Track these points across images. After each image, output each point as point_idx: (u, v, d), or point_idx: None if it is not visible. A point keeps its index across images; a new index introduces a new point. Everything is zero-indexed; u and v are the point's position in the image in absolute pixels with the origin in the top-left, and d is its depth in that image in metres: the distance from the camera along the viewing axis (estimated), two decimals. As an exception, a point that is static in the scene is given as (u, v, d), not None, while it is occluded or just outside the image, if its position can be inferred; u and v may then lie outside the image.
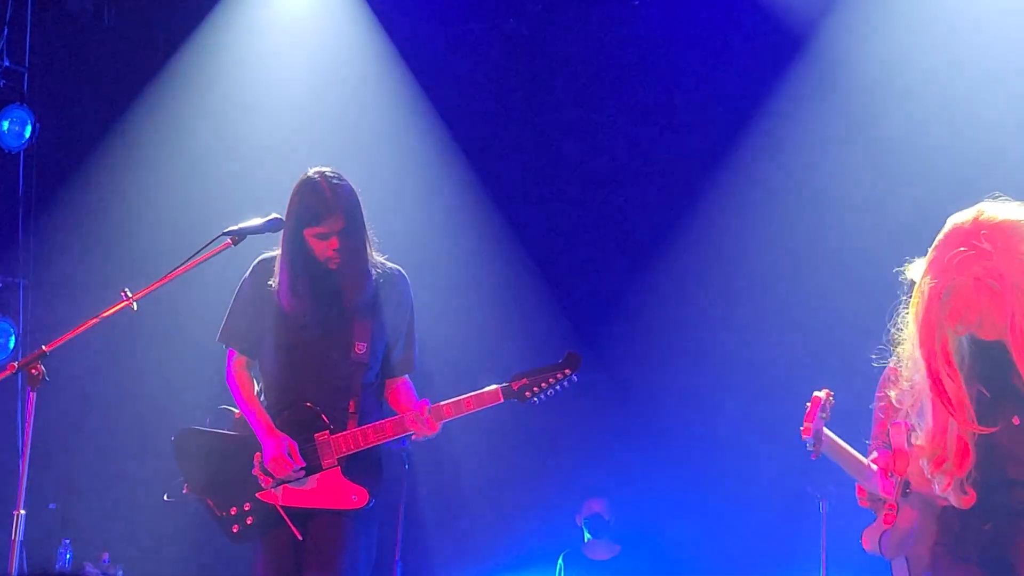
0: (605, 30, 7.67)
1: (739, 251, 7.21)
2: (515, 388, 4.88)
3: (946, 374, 3.38)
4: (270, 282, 4.97)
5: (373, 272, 4.96)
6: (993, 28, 6.57)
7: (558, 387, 4.92)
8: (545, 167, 7.79)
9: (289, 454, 4.82)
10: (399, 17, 7.79)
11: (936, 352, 3.37)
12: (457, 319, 7.51)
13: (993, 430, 3.46)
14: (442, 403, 4.86)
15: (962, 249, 3.33)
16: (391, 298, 5.03)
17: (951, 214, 3.49)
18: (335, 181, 4.88)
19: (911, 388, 3.54)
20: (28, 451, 4.44)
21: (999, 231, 3.34)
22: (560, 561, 7.45)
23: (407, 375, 5.14)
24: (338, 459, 4.88)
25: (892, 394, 3.69)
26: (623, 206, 7.65)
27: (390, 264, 5.07)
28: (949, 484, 3.48)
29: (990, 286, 3.28)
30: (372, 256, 4.97)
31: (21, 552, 4.41)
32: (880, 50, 6.83)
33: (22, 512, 4.37)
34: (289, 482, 4.88)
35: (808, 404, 3.95)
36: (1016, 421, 3.54)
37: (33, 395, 4.43)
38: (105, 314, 4.60)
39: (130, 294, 4.60)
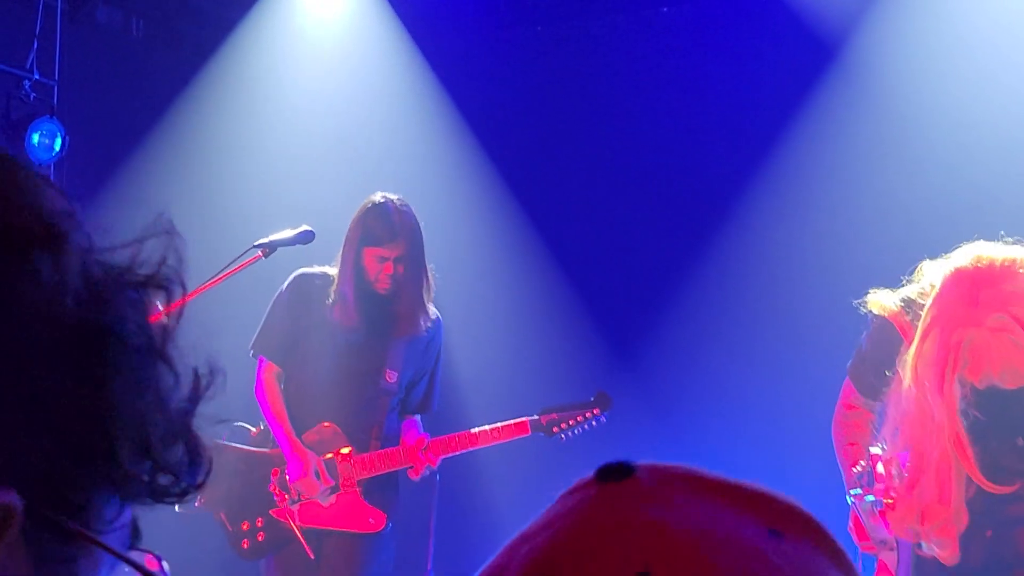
0: (633, 37, 7.64)
1: (776, 256, 7.16)
2: (543, 422, 5.00)
3: (963, 432, 3.30)
4: (314, 297, 4.99)
5: (430, 310, 5.00)
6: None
7: (586, 425, 5.06)
8: (574, 175, 7.77)
9: (317, 474, 4.83)
10: (427, 25, 7.79)
11: (957, 408, 3.28)
12: (486, 323, 7.52)
13: (1012, 489, 3.40)
14: (457, 435, 4.91)
15: (970, 298, 3.25)
16: (424, 338, 5.06)
17: (993, 220, 3.43)
18: (403, 208, 4.93)
19: (906, 434, 3.45)
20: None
21: (1005, 276, 3.26)
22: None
23: (420, 415, 5.19)
24: (358, 481, 4.89)
25: (875, 449, 3.64)
26: (653, 215, 7.62)
27: (432, 308, 5.10)
28: (954, 550, 3.43)
29: (1009, 335, 3.19)
30: (428, 296, 5.00)
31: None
32: (915, 57, 6.78)
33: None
34: (307, 497, 4.89)
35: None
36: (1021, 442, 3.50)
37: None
38: (137, 327, 4.62)
39: (161, 307, 4.62)
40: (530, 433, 4.96)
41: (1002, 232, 3.42)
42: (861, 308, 3.77)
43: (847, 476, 3.90)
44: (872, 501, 3.67)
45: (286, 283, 5.10)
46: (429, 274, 5.03)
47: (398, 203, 4.97)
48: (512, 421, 4.96)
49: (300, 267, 5.14)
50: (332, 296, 4.97)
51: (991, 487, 3.32)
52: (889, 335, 3.64)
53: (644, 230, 7.62)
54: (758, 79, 7.29)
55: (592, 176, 7.74)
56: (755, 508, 0.89)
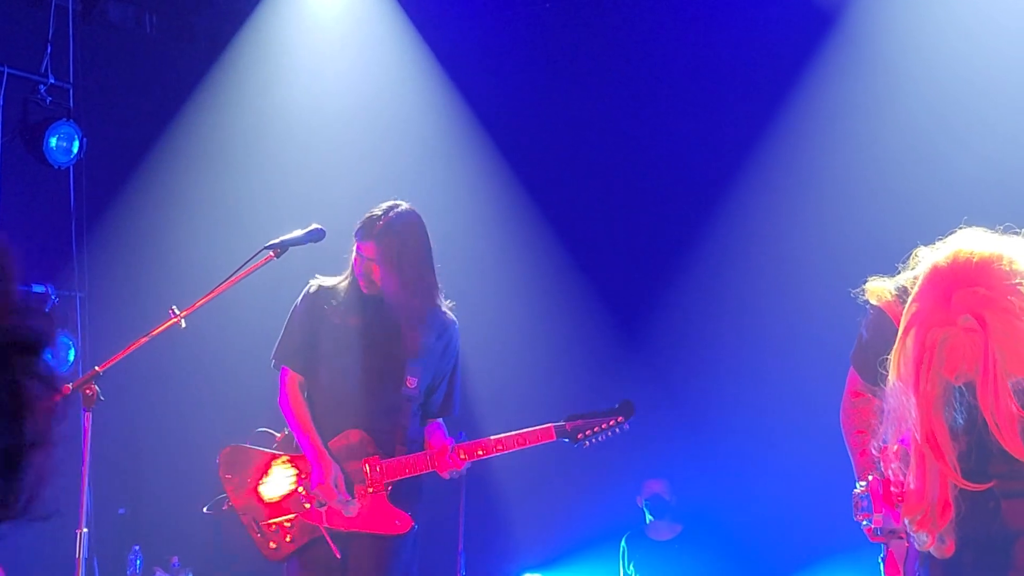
0: (635, 14, 7.62)
1: (795, 238, 7.15)
2: (568, 428, 5.06)
3: (939, 428, 3.33)
4: (329, 306, 5.06)
5: (432, 317, 5.05)
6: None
7: (609, 433, 5.12)
8: (585, 168, 7.77)
9: (336, 483, 4.91)
10: (433, 13, 7.79)
11: (932, 405, 3.31)
12: (498, 322, 7.54)
13: (987, 486, 3.42)
14: (484, 440, 4.98)
15: (945, 298, 3.26)
16: (441, 343, 5.12)
17: (991, 204, 3.43)
18: (394, 213, 4.97)
19: (895, 429, 3.48)
20: (87, 470, 4.54)
21: (979, 275, 3.27)
22: (623, 543, 7.49)
23: (442, 419, 5.25)
24: (385, 484, 4.97)
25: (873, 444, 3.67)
26: (661, 201, 7.62)
27: (448, 313, 5.14)
28: (932, 542, 3.46)
29: (978, 333, 3.20)
30: (425, 300, 5.03)
31: (87, 568, 4.51)
32: (915, 36, 6.74)
33: (85, 530, 4.47)
34: (334, 505, 4.97)
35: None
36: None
37: (89, 415, 4.53)
38: (154, 332, 4.71)
39: (178, 311, 4.70)
40: (555, 439, 5.03)
41: (998, 224, 3.43)
42: (859, 297, 3.80)
43: (857, 464, 3.91)
44: (869, 526, 3.74)
45: (300, 295, 5.18)
46: (423, 280, 5.06)
47: (399, 209, 5.03)
48: (538, 427, 5.02)
49: (314, 270, 5.23)
50: (340, 299, 5.06)
51: (965, 484, 3.36)
52: (885, 325, 3.65)
53: (655, 225, 7.63)
54: (763, 57, 7.26)
55: (604, 169, 7.76)
56: None
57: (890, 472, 3.59)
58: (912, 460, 3.41)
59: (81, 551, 4.44)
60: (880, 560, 4.23)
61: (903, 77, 6.76)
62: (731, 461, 7.27)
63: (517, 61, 7.84)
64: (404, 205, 5.05)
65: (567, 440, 5.04)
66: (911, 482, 3.42)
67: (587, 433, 5.05)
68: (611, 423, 5.08)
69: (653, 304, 7.59)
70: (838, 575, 6.63)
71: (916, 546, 3.55)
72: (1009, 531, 3.56)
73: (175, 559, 7.42)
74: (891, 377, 3.40)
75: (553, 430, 5.01)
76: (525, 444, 4.98)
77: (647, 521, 7.51)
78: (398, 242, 4.96)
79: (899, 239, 4.01)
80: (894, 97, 6.77)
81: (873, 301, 3.75)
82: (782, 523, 7.10)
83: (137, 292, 7.57)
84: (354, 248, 5.02)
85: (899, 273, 3.70)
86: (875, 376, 3.66)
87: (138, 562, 7.21)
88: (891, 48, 6.81)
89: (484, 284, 7.47)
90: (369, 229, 4.95)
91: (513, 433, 4.99)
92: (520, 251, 7.74)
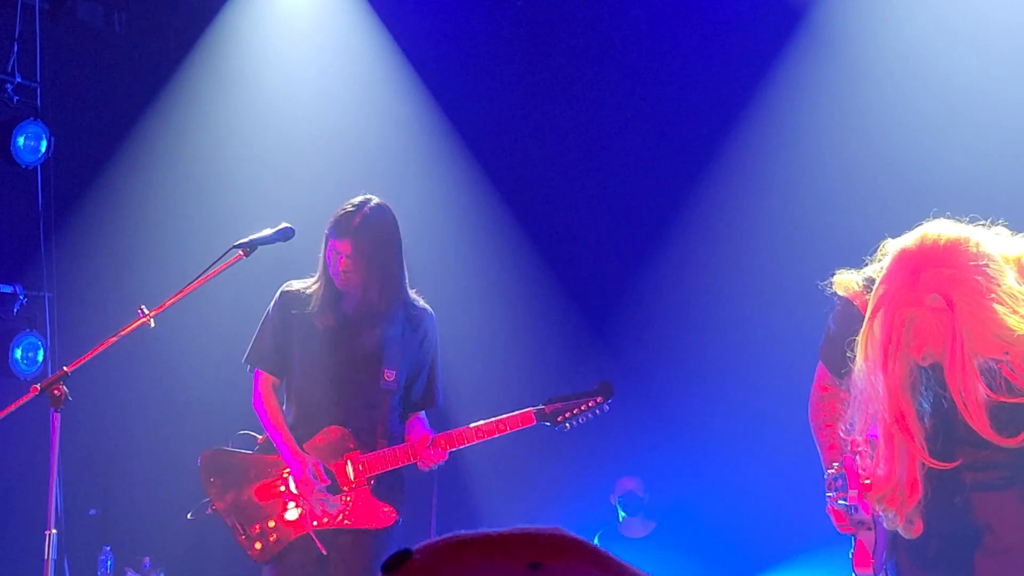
0: (604, 10, 7.62)
1: (766, 231, 7.17)
2: (548, 412, 5.06)
3: (907, 409, 3.35)
4: (302, 309, 5.06)
5: (407, 309, 5.05)
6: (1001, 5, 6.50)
7: (589, 414, 5.11)
8: (556, 160, 7.76)
9: (314, 474, 4.90)
10: (401, 8, 7.77)
11: (900, 386, 3.33)
12: (470, 318, 7.53)
13: (954, 464, 3.44)
14: (463, 428, 4.98)
15: (912, 278, 3.28)
16: (418, 334, 5.12)
17: (960, 196, 3.45)
18: (369, 209, 4.96)
19: (863, 411, 3.50)
20: (56, 471, 4.51)
21: (946, 256, 3.29)
22: (596, 541, 7.49)
23: (424, 411, 5.24)
24: (368, 478, 4.97)
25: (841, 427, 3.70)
26: (630, 195, 7.62)
27: (421, 303, 5.15)
28: (900, 521, 3.48)
29: (946, 316, 3.22)
30: (396, 293, 5.04)
31: (56, 569, 4.48)
32: (885, 27, 6.76)
33: (54, 531, 4.44)
34: (316, 502, 4.96)
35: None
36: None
37: (58, 416, 4.50)
38: (123, 332, 4.67)
39: (147, 311, 4.67)
40: (535, 423, 5.02)
41: (969, 214, 3.47)
42: (827, 289, 3.83)
43: (826, 457, 3.93)
44: (844, 505, 3.75)
45: (273, 300, 5.19)
46: (395, 274, 5.06)
47: (372, 204, 5.02)
48: (517, 412, 5.01)
49: (284, 269, 5.24)
50: (315, 302, 5.05)
51: (933, 463, 3.38)
52: (852, 316, 3.67)
53: (628, 220, 7.63)
54: (734, 50, 7.27)
55: (576, 163, 7.74)
56: (518, 550, 1.05)
57: (857, 458, 3.61)
58: (880, 441, 3.44)
59: (50, 552, 4.40)
60: (850, 556, 4.26)
61: (873, 74, 6.78)
62: (704, 458, 7.28)
63: (485, 54, 7.83)
64: (375, 199, 5.04)
65: (547, 423, 5.02)
66: (880, 464, 3.44)
67: (567, 416, 5.04)
68: (591, 404, 5.08)
69: (627, 300, 7.59)
70: (810, 571, 6.65)
71: (885, 525, 3.57)
72: (977, 524, 3.59)
73: (147, 559, 7.39)
74: (858, 359, 3.42)
75: (533, 414, 5.00)
76: (505, 430, 4.97)
77: (620, 519, 7.51)
78: (374, 237, 4.97)
79: (869, 235, 4.03)
80: (865, 94, 6.80)
81: (840, 292, 3.78)
82: (755, 520, 7.12)
83: (106, 292, 7.53)
84: (326, 245, 5.00)
85: (867, 266, 3.73)
86: (842, 368, 3.70)
87: (109, 563, 7.18)
88: (861, 45, 6.83)
89: (457, 280, 7.45)
90: (344, 226, 4.94)
91: (493, 420, 4.98)
92: (493, 247, 7.72)
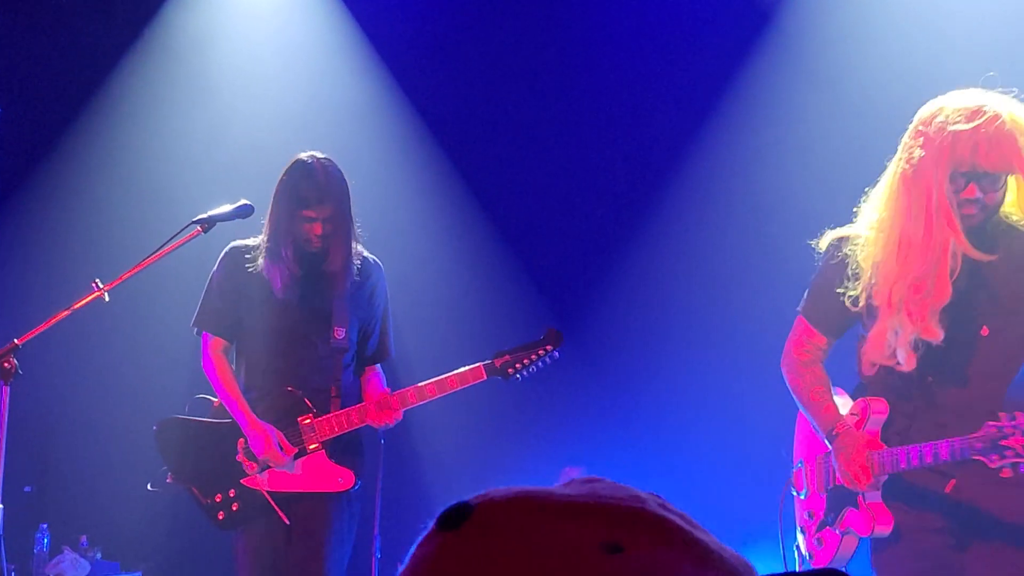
0: (573, 7, 7.61)
1: (714, 229, 7.18)
2: (497, 365, 4.97)
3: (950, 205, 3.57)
4: (248, 267, 4.98)
5: (355, 263, 5.00)
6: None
7: (540, 363, 5.02)
8: (519, 147, 7.73)
9: (279, 445, 4.85)
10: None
11: (946, 190, 3.57)
12: (435, 301, 7.50)
13: (988, 258, 3.65)
14: (414, 387, 4.91)
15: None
16: (366, 287, 5.07)
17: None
18: (329, 167, 4.92)
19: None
20: (3, 446, 4.43)
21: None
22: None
23: (380, 364, 5.19)
24: (322, 442, 4.91)
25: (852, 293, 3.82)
26: (597, 185, 7.62)
27: (367, 254, 5.11)
28: (924, 318, 3.62)
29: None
30: (356, 247, 5.00)
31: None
32: (851, 26, 6.81)
33: (0, 506, 4.37)
34: (275, 467, 4.91)
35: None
36: (985, 331, 3.66)
37: (7, 389, 4.42)
38: (76, 305, 4.60)
39: (101, 284, 4.60)
40: (486, 377, 4.93)
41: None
42: (815, 245, 3.97)
43: (823, 419, 3.93)
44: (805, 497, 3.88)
45: (218, 260, 5.10)
46: (356, 229, 5.04)
47: (323, 161, 4.96)
48: (467, 368, 4.93)
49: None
50: (263, 261, 4.96)
51: (971, 251, 3.60)
52: (842, 251, 3.85)
53: (589, 195, 7.61)
54: (703, 49, 7.28)
55: (530, 137, 7.70)
56: (592, 522, 0.92)
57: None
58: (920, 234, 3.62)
59: (-3, 527, 4.33)
60: (796, 547, 4.28)
61: (840, 76, 6.81)
62: (650, 449, 7.29)
63: (448, 37, 7.79)
64: (321, 155, 4.99)
65: (499, 377, 4.96)
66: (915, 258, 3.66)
67: (517, 367, 4.97)
68: (540, 352, 5.01)
69: (584, 294, 7.58)
70: (759, 564, 6.67)
71: (898, 331, 3.70)
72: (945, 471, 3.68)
73: (84, 538, 7.30)
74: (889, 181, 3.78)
75: (483, 369, 4.92)
76: (457, 386, 4.90)
77: (563, 508, 7.50)
78: (343, 198, 4.95)
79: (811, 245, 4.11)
80: (833, 95, 6.82)
81: (831, 237, 3.97)
82: (702, 510, 7.13)
83: (56, 270, 7.43)
84: (293, 214, 4.89)
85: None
86: (826, 317, 3.84)
87: (45, 540, 7.07)
88: (829, 47, 6.86)
89: (422, 279, 7.42)
90: (320, 190, 4.87)
91: (443, 376, 4.92)
92: (457, 241, 7.68)
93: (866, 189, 4.02)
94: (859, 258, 3.79)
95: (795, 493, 4.33)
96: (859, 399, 3.90)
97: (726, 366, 7.01)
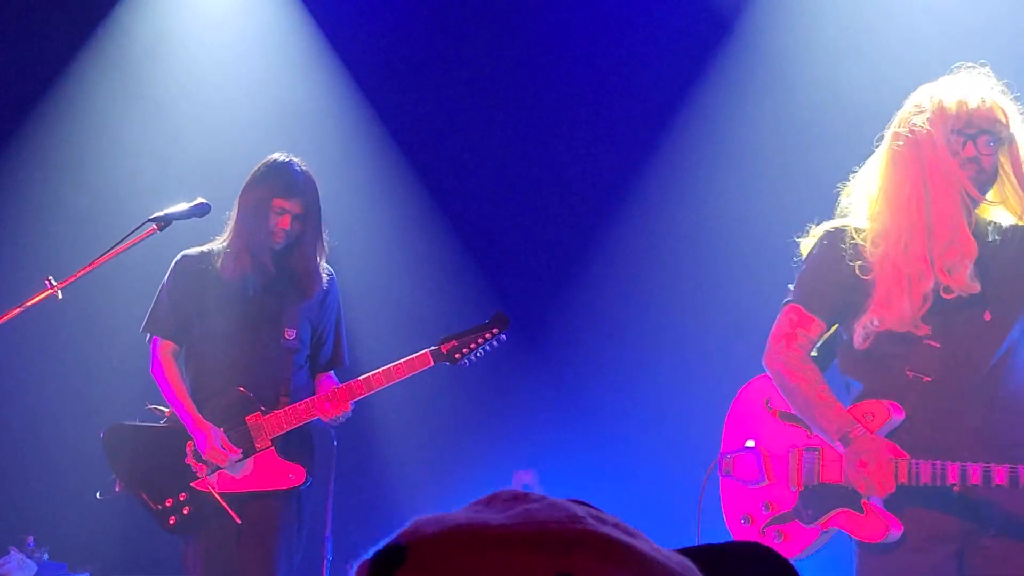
0: (535, 11, 7.61)
1: (670, 231, 7.21)
2: (444, 351, 4.95)
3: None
4: (200, 274, 4.99)
5: (324, 269, 5.03)
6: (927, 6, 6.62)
7: (487, 347, 5.00)
8: (477, 148, 7.72)
9: (222, 444, 4.83)
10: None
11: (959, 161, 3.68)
12: (391, 301, 7.49)
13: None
14: (362, 377, 4.90)
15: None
16: (317, 295, 5.07)
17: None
18: (307, 170, 5.01)
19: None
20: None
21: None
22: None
23: (334, 371, 5.20)
24: (272, 439, 4.89)
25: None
26: (554, 187, 7.62)
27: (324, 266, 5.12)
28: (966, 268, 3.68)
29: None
30: (322, 262, 5.03)
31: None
32: (811, 32, 6.85)
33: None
34: (225, 468, 4.89)
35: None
36: (987, 316, 3.70)
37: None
38: (29, 303, 4.56)
39: (55, 282, 4.56)
40: (433, 364, 4.90)
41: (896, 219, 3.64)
42: (807, 231, 4.01)
43: (834, 421, 3.80)
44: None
45: (169, 268, 5.10)
46: (324, 238, 5.05)
47: (302, 163, 5.02)
48: (413, 355, 4.91)
49: (188, 243, 5.16)
50: (222, 256, 4.96)
51: (980, 197, 3.73)
52: (837, 239, 3.86)
53: (546, 195, 7.62)
54: (665, 50, 7.30)
55: (488, 136, 7.70)
56: (540, 552, 0.88)
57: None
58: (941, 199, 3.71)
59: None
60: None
61: (800, 80, 6.86)
62: (601, 453, 7.30)
63: (406, 41, 7.77)
64: (299, 159, 5.04)
65: (447, 363, 4.94)
66: (940, 222, 3.72)
67: (464, 351, 4.94)
68: (487, 336, 4.98)
69: (540, 295, 7.57)
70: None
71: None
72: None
73: (30, 539, 7.22)
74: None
75: (429, 355, 4.90)
76: (404, 374, 4.87)
77: (515, 512, 7.50)
78: (315, 196, 5.00)
79: (795, 242, 4.11)
80: (794, 100, 6.87)
81: (824, 229, 3.95)
82: (652, 515, 7.17)
83: (9, 261, 7.35)
84: (265, 202, 4.90)
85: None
86: (822, 300, 3.88)
87: (-8, 541, 7.00)
88: (787, 52, 6.91)
89: (376, 277, 7.42)
90: (296, 184, 4.92)
91: (390, 365, 4.89)
92: (414, 240, 7.67)
93: (839, 184, 4.05)
94: (864, 238, 3.82)
95: (743, 481, 4.17)
96: (865, 401, 3.82)
97: (678, 366, 7.04)
